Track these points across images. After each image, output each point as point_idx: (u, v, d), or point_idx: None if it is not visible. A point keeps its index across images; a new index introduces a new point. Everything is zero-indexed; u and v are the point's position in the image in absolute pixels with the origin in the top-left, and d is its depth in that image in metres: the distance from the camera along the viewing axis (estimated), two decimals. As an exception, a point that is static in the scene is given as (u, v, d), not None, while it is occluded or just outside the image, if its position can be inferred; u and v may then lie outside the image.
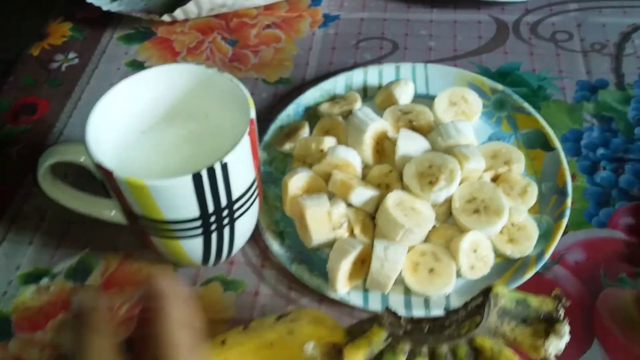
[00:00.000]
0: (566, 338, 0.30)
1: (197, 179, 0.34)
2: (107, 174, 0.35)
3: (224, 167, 0.35)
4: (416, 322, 0.33)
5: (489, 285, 0.32)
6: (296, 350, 0.33)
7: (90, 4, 0.62)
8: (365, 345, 0.31)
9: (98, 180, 0.39)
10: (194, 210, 0.37)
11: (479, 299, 0.32)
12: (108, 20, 0.65)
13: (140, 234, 0.41)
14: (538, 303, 0.31)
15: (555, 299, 0.32)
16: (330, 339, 0.33)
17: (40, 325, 0.43)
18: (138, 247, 0.46)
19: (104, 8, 0.62)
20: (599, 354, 0.39)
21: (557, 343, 0.30)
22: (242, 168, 0.37)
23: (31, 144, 0.55)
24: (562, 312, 0.31)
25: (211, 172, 0.35)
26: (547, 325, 0.31)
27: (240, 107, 0.39)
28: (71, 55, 0.62)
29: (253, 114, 0.37)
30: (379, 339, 0.32)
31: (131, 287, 0.44)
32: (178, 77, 0.41)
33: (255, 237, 0.46)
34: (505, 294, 0.32)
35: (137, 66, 0.60)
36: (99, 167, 0.35)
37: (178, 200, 0.36)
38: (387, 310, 0.33)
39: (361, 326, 0.33)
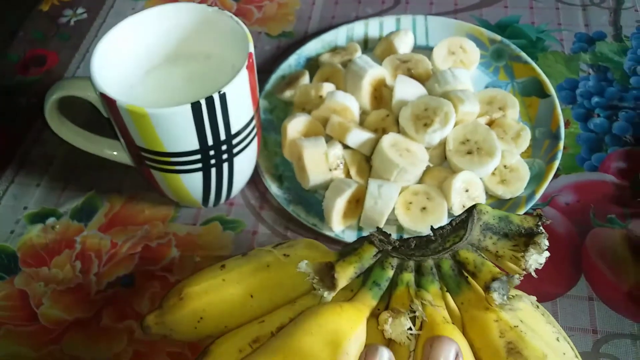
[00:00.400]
0: (546, 253, 0.31)
1: (196, 108, 0.36)
2: (111, 102, 0.36)
3: (222, 98, 0.36)
4: (404, 240, 0.34)
5: (473, 204, 0.34)
6: (291, 270, 0.34)
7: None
8: (355, 261, 0.33)
9: (104, 122, 0.41)
10: (193, 142, 0.38)
11: (464, 215, 0.33)
12: (116, -24, 0.67)
13: (143, 170, 0.42)
14: (519, 220, 0.32)
15: (536, 216, 0.33)
16: (322, 260, 0.35)
17: (45, 262, 0.45)
18: (141, 189, 0.48)
19: (111, -37, 0.63)
20: (585, 289, 0.40)
21: (537, 257, 0.31)
22: (241, 101, 0.38)
23: (40, 93, 0.56)
24: (542, 228, 0.32)
25: (210, 102, 0.36)
26: (527, 239, 0.32)
27: (239, 44, 0.40)
28: (80, 10, 0.64)
29: (251, 48, 0.39)
30: (369, 255, 0.33)
31: (134, 226, 0.46)
32: (180, 16, 0.42)
33: (255, 181, 0.47)
34: (489, 211, 0.33)
35: (143, 20, 0.62)
36: (103, 96, 0.37)
37: (178, 131, 0.37)
38: (378, 229, 0.34)
39: (353, 246, 0.35)
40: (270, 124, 0.51)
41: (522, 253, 0.32)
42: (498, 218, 0.33)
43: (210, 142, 0.38)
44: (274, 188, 0.46)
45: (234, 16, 0.41)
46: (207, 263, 0.43)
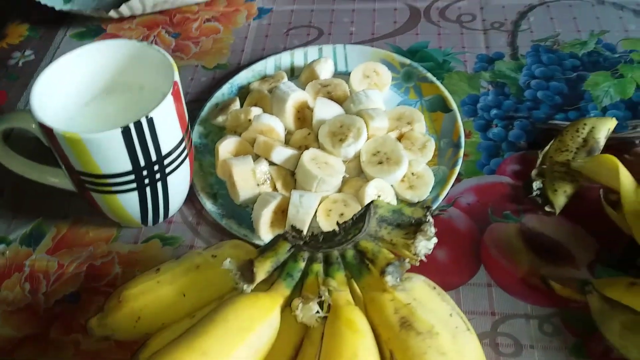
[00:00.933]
0: (434, 239, 0.36)
1: (126, 131, 0.40)
2: (48, 131, 0.40)
3: (150, 122, 0.41)
4: (314, 235, 0.39)
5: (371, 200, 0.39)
6: (219, 270, 0.38)
7: (45, 5, 0.68)
8: (272, 256, 0.37)
9: (47, 152, 0.45)
10: (126, 164, 0.42)
11: (362, 210, 0.38)
12: (62, 19, 0.71)
13: (84, 194, 0.46)
14: (410, 212, 0.38)
15: (424, 208, 0.38)
16: (245, 257, 0.39)
17: (-4, 285, 0.48)
18: (86, 213, 0.52)
19: (57, 8, 0.68)
20: (484, 278, 0.45)
21: (426, 243, 0.36)
22: (168, 124, 0.43)
23: (-11, 130, 0.60)
24: (429, 217, 0.37)
25: (138, 125, 0.41)
26: (416, 228, 0.37)
27: (168, 74, 0.45)
28: (27, 52, 0.68)
29: (176, 77, 0.43)
30: (284, 250, 0.38)
31: (79, 247, 0.50)
32: (114, 51, 0.47)
33: (192, 199, 0.52)
34: (384, 205, 0.38)
35: (87, 59, 0.66)
36: (42, 125, 0.41)
37: (111, 153, 0.41)
38: (292, 227, 0.39)
39: (270, 244, 0.39)
40: (205, 148, 0.55)
41: (412, 240, 0.37)
42: (392, 211, 0.38)
43: (142, 163, 0.43)
44: (208, 205, 0.51)
45: (161, 49, 0.46)
46: (147, 275, 0.47)
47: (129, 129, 0.40)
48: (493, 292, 0.45)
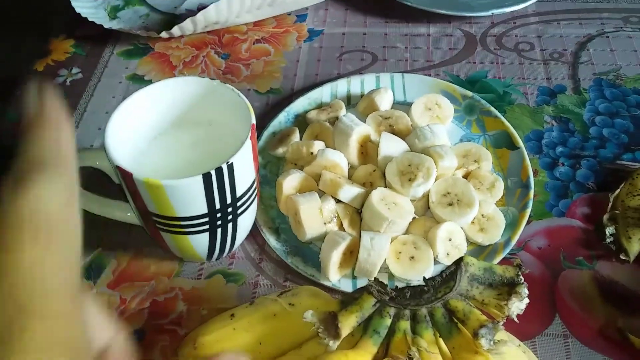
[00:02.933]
0: (526, 300, 0.36)
1: (207, 178, 0.39)
2: (127, 175, 0.40)
3: (230, 168, 0.40)
4: (400, 290, 0.38)
5: (460, 256, 0.38)
6: (297, 319, 0.38)
7: (92, 22, 0.67)
8: (356, 310, 0.37)
9: (104, 180, 0.44)
10: (202, 207, 0.42)
11: (452, 267, 0.37)
12: (108, 37, 0.70)
13: (152, 231, 0.45)
14: (501, 270, 0.37)
15: (516, 267, 0.37)
16: (326, 308, 0.38)
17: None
18: (147, 245, 0.51)
19: (106, 26, 0.66)
20: (560, 327, 0.45)
21: (519, 303, 0.35)
22: (245, 168, 0.42)
23: (41, 153, 0.59)
24: (522, 277, 0.36)
25: (219, 172, 0.40)
26: (509, 288, 0.36)
27: (240, 114, 0.44)
28: (75, 70, 0.67)
29: (254, 120, 0.43)
30: (368, 304, 0.37)
31: (141, 282, 0.49)
32: (185, 88, 0.46)
33: (254, 234, 0.51)
34: (474, 263, 0.37)
35: (138, 79, 0.65)
36: (119, 169, 0.40)
37: (189, 198, 0.41)
38: (376, 280, 0.38)
39: (352, 296, 0.39)
40: (264, 179, 0.54)
41: (505, 301, 0.36)
42: (483, 269, 0.37)
43: (217, 206, 0.42)
44: (272, 241, 0.50)
45: (235, 89, 0.45)
46: (213, 315, 0.46)
47: (210, 175, 0.40)
48: (570, 343, 0.44)
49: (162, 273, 0.50)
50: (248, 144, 0.41)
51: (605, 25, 0.66)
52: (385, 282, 0.47)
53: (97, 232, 0.52)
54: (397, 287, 0.39)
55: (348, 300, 0.38)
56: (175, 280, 0.49)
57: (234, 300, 0.48)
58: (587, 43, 0.64)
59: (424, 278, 0.38)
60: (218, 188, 0.41)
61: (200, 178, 0.39)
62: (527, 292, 0.36)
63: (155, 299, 0.48)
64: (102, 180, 0.45)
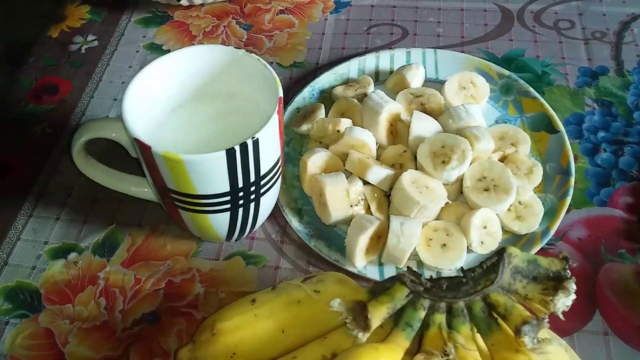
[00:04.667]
0: (573, 295, 0.33)
1: (230, 154, 0.37)
2: (145, 148, 0.37)
3: (256, 144, 0.37)
4: (435, 281, 0.35)
5: (502, 246, 0.35)
6: (322, 306, 0.35)
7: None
8: (388, 301, 0.34)
9: (124, 153, 0.41)
10: (224, 185, 0.39)
11: (494, 259, 0.34)
12: (125, 3, 0.67)
13: (169, 208, 0.43)
14: (547, 263, 0.34)
15: (562, 259, 0.34)
16: (354, 297, 0.36)
17: (69, 299, 0.45)
18: (163, 222, 0.49)
19: (123, -9, 0.63)
20: (600, 324, 0.42)
21: (565, 299, 0.33)
22: (271, 145, 0.39)
23: (54, 123, 0.57)
24: (569, 271, 0.34)
25: (244, 148, 0.37)
26: (555, 283, 0.33)
27: (266, 86, 0.41)
28: (90, 37, 0.64)
29: (281, 93, 0.40)
30: (401, 295, 0.34)
31: (156, 261, 0.47)
32: (207, 57, 0.43)
33: (275, 214, 0.48)
34: (518, 254, 0.34)
35: (155, 49, 0.62)
36: (137, 141, 0.37)
37: (211, 175, 0.38)
38: (409, 269, 0.35)
39: (383, 285, 0.36)
40: (287, 157, 0.52)
41: (551, 297, 0.33)
42: (527, 261, 0.35)
43: (240, 184, 0.39)
44: (294, 222, 0.47)
45: (261, 60, 0.42)
46: (232, 299, 0.44)
47: (234, 151, 0.37)
48: (610, 341, 0.41)
49: (179, 253, 0.47)
50: (275, 118, 0.38)
51: (651, 3, 0.62)
52: (414, 269, 0.45)
53: (111, 207, 0.50)
54: (431, 277, 0.36)
55: (378, 290, 0.36)
56: (193, 261, 0.47)
57: (254, 283, 0.45)
58: (631, 22, 0.61)
59: (462, 269, 0.35)
60: (242, 165, 0.38)
61: (223, 154, 0.37)
62: (574, 287, 0.34)
63: (171, 280, 0.46)
64: (119, 153, 0.43)
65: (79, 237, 0.49)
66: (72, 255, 0.48)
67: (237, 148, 0.37)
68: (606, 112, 0.53)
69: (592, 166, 0.50)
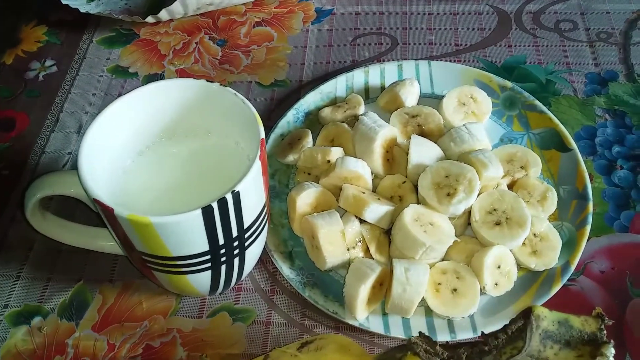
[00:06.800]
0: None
1: (207, 212, 0.31)
2: (107, 210, 0.32)
3: (236, 197, 0.32)
4: (453, 348, 0.30)
5: (528, 306, 0.30)
6: None
7: (66, 6, 0.58)
8: (400, 382, 0.29)
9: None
10: (202, 245, 0.34)
11: (520, 322, 0.30)
12: (85, 22, 0.61)
13: (140, 267, 0.38)
14: (580, 323, 0.29)
15: (597, 317, 0.30)
16: (359, 372, 0.31)
17: (36, 370, 0.40)
18: (137, 276, 0.43)
19: (82, 10, 0.57)
20: (631, 369, 0.38)
21: None
22: (254, 195, 0.34)
23: (11, 163, 0.51)
24: (605, 332, 0.29)
25: (223, 204, 0.32)
26: (591, 348, 0.29)
27: (245, 123, 0.36)
28: (48, 62, 0.58)
29: (262, 134, 0.34)
30: (414, 371, 0.29)
31: (131, 322, 0.41)
32: (178, 93, 0.38)
33: (263, 259, 0.43)
34: (547, 315, 0.30)
35: (121, 72, 0.56)
36: (97, 202, 0.32)
37: (186, 236, 0.33)
38: (421, 335, 0.30)
39: (393, 355, 0.31)
40: (272, 191, 0.46)
41: (588, 365, 0.29)
42: (557, 323, 0.30)
43: (221, 242, 0.34)
44: (285, 269, 0.42)
45: (238, 94, 0.36)
46: (220, 363, 0.39)
47: (211, 209, 0.32)
48: (646, 391, 0.37)
49: (157, 311, 0.42)
50: (257, 165, 0.33)
51: (657, -2, 0.58)
52: (422, 319, 0.40)
53: (79, 261, 0.45)
54: (448, 343, 0.31)
55: (387, 360, 0.31)
56: (173, 320, 0.41)
57: (243, 343, 0.40)
58: (638, 21, 0.56)
59: (483, 333, 0.31)
60: (222, 222, 0.33)
61: (199, 213, 0.31)
62: (613, 351, 0.29)
63: (149, 344, 0.40)
64: (80, 201, 0.37)
65: (43, 298, 0.43)
66: (36, 320, 0.42)
67: (215, 205, 0.31)
68: (619, 123, 0.49)
69: (609, 186, 0.45)
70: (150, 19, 0.57)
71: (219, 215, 0.32)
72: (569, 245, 0.41)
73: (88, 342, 0.41)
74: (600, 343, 0.29)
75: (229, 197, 0.32)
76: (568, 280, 0.41)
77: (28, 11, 0.63)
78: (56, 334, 0.41)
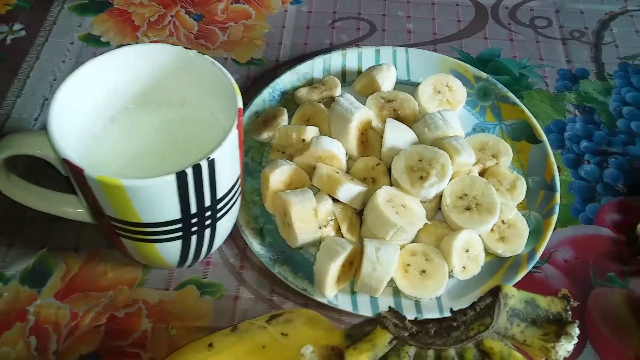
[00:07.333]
0: (575, 340, 0.29)
1: (181, 178, 0.31)
2: (77, 171, 0.31)
3: (211, 164, 0.32)
4: (421, 324, 0.31)
5: (497, 285, 0.31)
6: (292, 353, 0.31)
7: (37, -31, 0.56)
8: (368, 349, 0.29)
9: (57, 171, 0.35)
10: (174, 213, 0.33)
11: (488, 300, 0.30)
12: (57, -13, 0.59)
13: (108, 234, 0.37)
14: (546, 303, 0.30)
15: (563, 298, 0.31)
16: (327, 342, 0.31)
17: (-7, 336, 0.39)
18: (103, 245, 0.42)
19: (54, -25, 0.56)
20: (592, 357, 0.39)
21: (567, 345, 0.29)
22: (229, 164, 0.34)
23: (-26, 127, 0.49)
24: (570, 312, 0.30)
25: (197, 170, 0.31)
26: (557, 327, 0.30)
27: (222, 93, 0.36)
28: (17, 26, 0.56)
29: (241, 104, 0.34)
30: (383, 342, 0.30)
31: (96, 292, 0.41)
32: (153, 58, 0.37)
33: (233, 235, 0.43)
34: (515, 294, 0.30)
35: (92, 41, 0.55)
36: (67, 162, 0.31)
37: (158, 202, 0.32)
38: (391, 310, 0.31)
39: (362, 328, 0.31)
40: (245, 168, 0.46)
41: (553, 343, 0.29)
42: (525, 302, 0.31)
43: (193, 210, 0.34)
44: (255, 245, 0.42)
45: (216, 62, 0.36)
46: (185, 336, 0.39)
47: (185, 175, 0.31)
48: (603, 376, 0.38)
49: (123, 282, 0.41)
50: (234, 134, 0.33)
51: (628, 2, 0.59)
52: (390, 298, 0.40)
53: (42, 228, 0.43)
54: (416, 319, 0.32)
55: (356, 334, 0.31)
56: (138, 291, 0.41)
57: (210, 317, 0.40)
58: (610, 21, 0.57)
59: (452, 310, 0.31)
60: (195, 190, 0.32)
61: (173, 178, 0.31)
62: (578, 331, 0.30)
63: (113, 314, 0.40)
64: (46, 167, 0.36)
65: (4, 264, 0.42)
66: (-5, 286, 0.41)
67: (190, 171, 0.31)
68: (588, 119, 0.50)
69: (575, 179, 0.47)
70: (126, -12, 0.55)
71: (193, 182, 0.32)
72: (535, 234, 0.42)
73: (50, 309, 0.40)
74: (565, 323, 0.30)
75: (204, 164, 0.31)
76: (533, 267, 0.41)
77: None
78: (17, 300, 0.40)
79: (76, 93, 0.35)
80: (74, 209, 0.39)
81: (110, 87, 0.37)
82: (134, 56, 0.37)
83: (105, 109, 0.38)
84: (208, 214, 0.35)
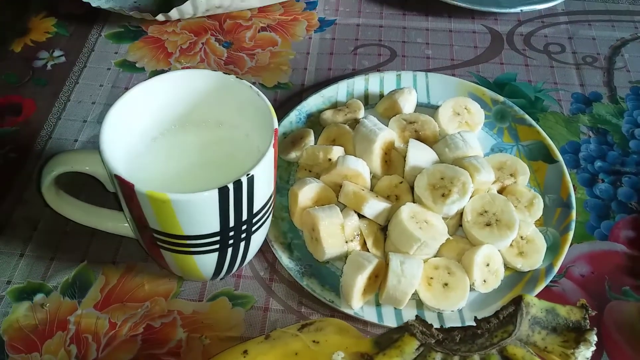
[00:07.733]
0: (593, 347, 0.31)
1: (223, 193, 0.33)
2: (128, 186, 0.33)
3: (250, 181, 0.34)
4: (447, 332, 0.33)
5: (519, 294, 0.33)
6: (323, 359, 0.32)
7: (77, 0, 0.60)
8: (396, 355, 0.31)
9: (92, 189, 0.38)
10: (214, 226, 0.35)
11: (511, 308, 0.32)
12: (95, 16, 0.63)
13: (150, 248, 0.39)
14: (566, 312, 0.32)
15: (581, 308, 0.32)
16: (357, 349, 0.33)
17: (36, 346, 0.41)
18: (140, 259, 0.45)
19: (94, 4, 0.59)
20: (608, 366, 0.40)
21: (586, 352, 0.31)
22: (265, 181, 0.36)
23: (18, 147, 0.52)
24: (588, 321, 0.32)
25: (238, 186, 0.34)
26: (576, 335, 0.31)
27: (257, 116, 0.38)
28: (57, 52, 0.60)
29: (276, 124, 0.37)
30: (410, 348, 0.31)
31: (133, 303, 0.43)
32: (194, 82, 0.40)
33: (262, 249, 0.45)
34: (536, 303, 0.32)
35: (128, 66, 0.58)
36: (119, 178, 0.34)
37: (200, 216, 0.34)
38: (418, 318, 0.32)
39: (390, 336, 0.33)
40: (273, 186, 0.48)
41: (572, 350, 0.31)
42: (545, 310, 0.32)
43: (231, 224, 0.36)
44: (284, 259, 0.44)
45: (254, 87, 0.39)
46: (218, 345, 0.41)
47: (227, 190, 0.33)
48: (620, 386, 0.39)
49: (159, 293, 0.43)
50: (271, 152, 0.35)
51: (639, 28, 0.62)
52: (414, 311, 0.42)
53: (83, 242, 0.46)
54: (442, 327, 0.33)
55: (384, 341, 0.33)
56: (174, 302, 0.43)
57: (241, 327, 0.42)
58: (621, 47, 0.60)
59: (476, 318, 0.33)
60: (235, 204, 0.35)
61: (215, 193, 0.33)
62: (596, 338, 0.32)
63: (150, 324, 0.42)
64: (90, 181, 0.39)
65: (46, 276, 0.44)
66: (39, 297, 0.43)
67: (231, 186, 0.33)
68: (602, 140, 0.52)
69: (590, 197, 0.48)
70: (160, 17, 0.59)
71: (233, 196, 0.34)
72: (552, 249, 0.44)
73: (90, 319, 0.42)
74: (584, 330, 0.32)
75: (244, 180, 0.34)
76: (551, 281, 0.43)
77: (37, 2, 0.65)
78: (58, 310, 0.42)
79: (125, 115, 0.37)
80: (119, 224, 0.41)
81: (155, 110, 0.40)
82: (177, 81, 0.39)
83: (149, 129, 0.40)
84: (244, 227, 0.37)
